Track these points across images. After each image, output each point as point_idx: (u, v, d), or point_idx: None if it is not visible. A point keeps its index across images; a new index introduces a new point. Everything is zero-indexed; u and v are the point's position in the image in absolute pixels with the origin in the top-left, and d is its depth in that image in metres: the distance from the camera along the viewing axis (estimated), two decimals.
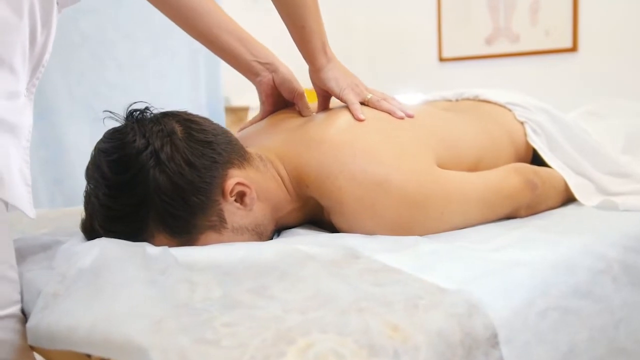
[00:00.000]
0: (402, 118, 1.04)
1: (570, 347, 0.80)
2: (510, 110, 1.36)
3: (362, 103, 1.06)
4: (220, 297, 0.67)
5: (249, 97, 3.23)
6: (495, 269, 0.78)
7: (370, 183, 0.91)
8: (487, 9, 3.29)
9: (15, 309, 0.73)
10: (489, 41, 3.31)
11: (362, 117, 1.01)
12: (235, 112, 2.98)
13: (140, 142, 0.82)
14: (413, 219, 0.93)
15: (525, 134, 1.31)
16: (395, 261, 0.79)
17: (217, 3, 1.10)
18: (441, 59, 3.51)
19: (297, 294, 0.67)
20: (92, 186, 0.86)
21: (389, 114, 1.05)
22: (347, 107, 1.06)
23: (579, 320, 0.83)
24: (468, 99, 1.47)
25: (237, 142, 0.93)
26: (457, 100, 1.48)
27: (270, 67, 1.12)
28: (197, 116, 0.91)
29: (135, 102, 0.88)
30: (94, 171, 0.85)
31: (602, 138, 1.52)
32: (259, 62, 1.11)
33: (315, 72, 1.07)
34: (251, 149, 0.97)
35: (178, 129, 0.86)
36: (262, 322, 0.60)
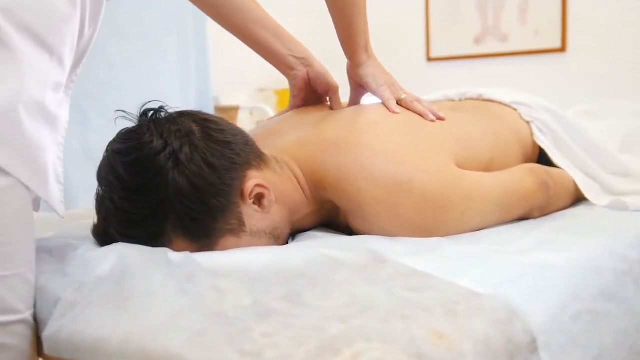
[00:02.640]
0: (433, 121, 1.05)
1: (600, 351, 0.79)
2: (515, 109, 1.35)
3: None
4: (251, 305, 0.64)
5: (238, 96, 3.20)
6: (525, 273, 0.77)
7: (391, 184, 0.90)
8: (475, 9, 3.28)
9: (29, 314, 0.70)
10: (477, 41, 3.31)
11: (397, 110, 1.04)
12: (225, 111, 2.94)
13: (157, 143, 0.79)
14: (434, 219, 0.91)
15: (532, 134, 1.30)
16: (422, 265, 0.78)
17: None
18: (429, 59, 3.50)
19: (332, 301, 0.65)
20: (105, 189, 0.82)
21: (420, 115, 1.06)
22: (368, 107, 1.06)
23: (607, 323, 0.82)
24: (472, 99, 1.45)
25: (253, 142, 0.90)
26: (460, 100, 1.47)
27: (305, 61, 1.13)
28: (213, 116, 0.88)
29: (149, 102, 0.85)
30: (108, 173, 0.81)
31: (601, 137, 1.53)
32: (295, 57, 1.12)
33: (354, 68, 1.09)
34: (265, 150, 0.94)
35: (195, 128, 0.83)
36: (302, 331, 0.58)
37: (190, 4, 2.80)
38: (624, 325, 0.86)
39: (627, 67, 2.91)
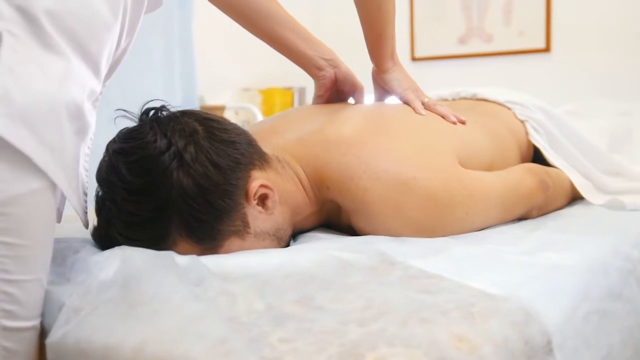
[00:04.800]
0: (454, 123, 1.08)
1: (608, 351, 0.79)
2: (509, 108, 1.35)
3: None
4: (265, 310, 0.63)
5: (223, 96, 3.18)
6: (535, 273, 0.76)
7: (396, 183, 0.89)
8: (460, 9, 3.30)
9: (39, 321, 0.68)
10: (462, 41, 3.32)
11: (423, 112, 1.08)
12: (210, 111, 2.91)
13: (161, 142, 0.77)
14: (439, 219, 0.91)
15: (527, 133, 1.30)
16: (432, 266, 0.77)
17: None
18: (414, 59, 3.51)
19: (347, 305, 0.63)
20: (106, 190, 0.80)
21: (443, 117, 1.09)
22: (370, 106, 1.08)
23: (614, 323, 0.82)
24: (465, 98, 1.45)
25: (256, 142, 0.89)
26: (453, 100, 1.47)
27: (333, 62, 1.16)
28: (215, 115, 0.87)
29: (150, 100, 0.83)
30: (109, 174, 0.78)
31: (591, 137, 1.53)
32: (323, 58, 1.15)
33: (379, 73, 1.14)
34: (266, 149, 0.92)
35: (199, 128, 0.81)
36: (321, 337, 0.56)
37: (175, 4, 2.76)
38: (629, 325, 0.86)
39: (610, 67, 2.94)
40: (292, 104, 3.42)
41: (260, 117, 2.94)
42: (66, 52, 0.67)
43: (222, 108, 2.90)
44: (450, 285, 0.71)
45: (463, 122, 1.09)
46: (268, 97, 3.32)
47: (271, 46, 1.15)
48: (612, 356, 0.80)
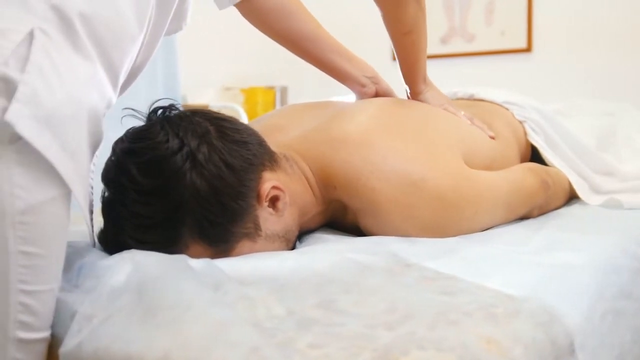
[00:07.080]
0: (492, 137, 1.14)
1: (620, 350, 0.79)
2: (507, 109, 1.35)
3: None
4: (286, 314, 0.61)
5: (206, 95, 3.14)
6: (551, 274, 0.76)
7: (405, 183, 0.88)
8: (442, 8, 3.31)
9: (49, 332, 0.66)
10: (444, 40, 3.33)
11: (468, 121, 1.15)
12: None
13: (173, 143, 0.75)
14: (448, 218, 0.90)
15: (525, 133, 1.31)
16: (446, 268, 0.76)
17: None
18: (394, 58, 3.50)
19: (371, 308, 0.62)
20: (114, 192, 0.77)
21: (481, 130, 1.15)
22: (373, 103, 1.09)
23: (625, 322, 0.82)
24: (463, 99, 1.45)
25: (266, 142, 0.87)
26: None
27: (375, 79, 1.22)
28: (225, 115, 0.85)
29: (159, 99, 0.81)
30: (118, 175, 0.76)
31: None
32: (366, 76, 1.21)
33: (414, 95, 1.20)
34: (273, 148, 0.91)
35: (211, 128, 0.79)
36: (351, 341, 0.55)
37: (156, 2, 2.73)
38: (637, 323, 0.86)
39: (592, 67, 2.98)
40: (274, 103, 3.40)
41: (244, 116, 2.92)
42: (93, 57, 0.66)
43: (205, 107, 2.86)
44: (468, 286, 0.70)
45: (493, 138, 1.14)
46: (250, 96, 3.29)
47: (317, 67, 1.21)
48: (624, 355, 0.80)
